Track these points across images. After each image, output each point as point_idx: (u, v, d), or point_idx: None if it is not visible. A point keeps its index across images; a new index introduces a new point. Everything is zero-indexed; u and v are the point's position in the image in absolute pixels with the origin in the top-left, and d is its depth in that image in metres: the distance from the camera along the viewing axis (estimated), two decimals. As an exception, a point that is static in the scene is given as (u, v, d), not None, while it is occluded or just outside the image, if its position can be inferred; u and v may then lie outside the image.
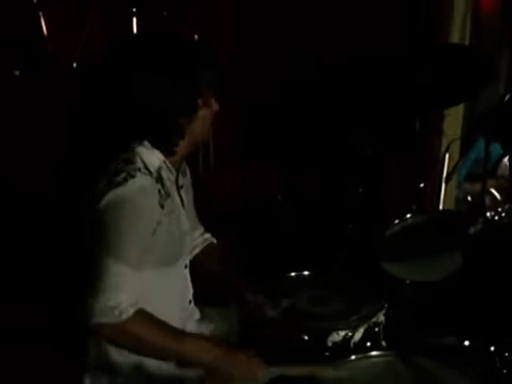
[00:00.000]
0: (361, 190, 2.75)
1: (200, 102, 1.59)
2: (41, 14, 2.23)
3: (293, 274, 2.10)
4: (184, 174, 1.81)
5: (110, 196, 1.48)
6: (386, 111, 2.41)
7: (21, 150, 2.38)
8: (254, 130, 2.73)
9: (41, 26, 2.25)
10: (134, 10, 2.19)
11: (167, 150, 1.62)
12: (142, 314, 1.48)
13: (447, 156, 2.40)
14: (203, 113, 1.61)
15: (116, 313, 1.42)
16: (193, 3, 2.51)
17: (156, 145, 1.60)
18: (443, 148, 2.90)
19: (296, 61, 2.85)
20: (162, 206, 1.55)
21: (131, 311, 1.45)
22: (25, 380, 2.11)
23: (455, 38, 2.85)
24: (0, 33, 2.30)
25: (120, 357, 1.59)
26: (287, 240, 2.71)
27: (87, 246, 1.56)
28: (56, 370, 1.99)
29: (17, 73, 2.29)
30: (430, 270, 1.95)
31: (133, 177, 1.50)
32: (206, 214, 1.73)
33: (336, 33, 2.80)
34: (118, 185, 1.49)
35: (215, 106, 1.65)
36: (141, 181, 1.52)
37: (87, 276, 1.50)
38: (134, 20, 2.20)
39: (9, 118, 2.34)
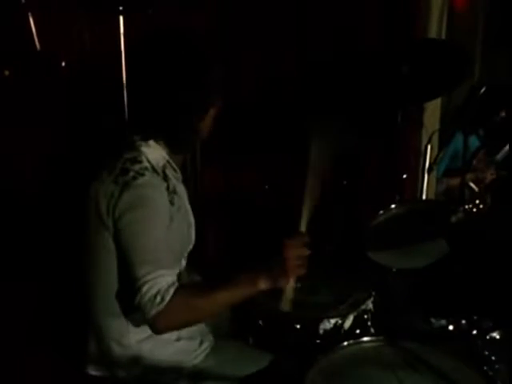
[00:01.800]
0: (345, 182, 2.81)
1: (211, 101, 1.63)
2: (29, 14, 2.23)
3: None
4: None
5: (127, 197, 1.50)
6: (368, 105, 2.46)
7: (11, 150, 2.38)
8: (237, 129, 2.76)
9: (30, 26, 2.25)
10: (121, 8, 2.21)
11: (179, 148, 1.65)
12: (180, 291, 1.48)
13: (429, 147, 2.47)
14: (212, 112, 1.65)
15: (158, 300, 1.44)
16: (175, 1, 2.54)
17: (168, 143, 1.63)
18: (423, 140, 2.98)
19: (277, 59, 2.88)
20: (171, 203, 1.59)
21: (171, 291, 1.46)
22: (24, 378, 2.12)
23: (432, 32, 2.92)
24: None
25: (121, 350, 1.63)
26: (273, 232, 2.76)
27: (90, 240, 1.60)
28: (55, 366, 2.01)
29: (6, 73, 2.29)
30: (415, 258, 2.02)
31: (142, 175, 1.53)
32: (194, 211, 1.76)
33: (316, 30, 2.85)
34: (128, 184, 1.51)
35: (219, 103, 1.68)
36: (151, 179, 1.55)
37: (123, 281, 1.55)
38: (121, 18, 2.22)
39: (-1, 117, 2.33)
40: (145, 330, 1.61)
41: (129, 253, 1.49)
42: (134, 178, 1.52)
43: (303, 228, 1.65)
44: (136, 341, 1.63)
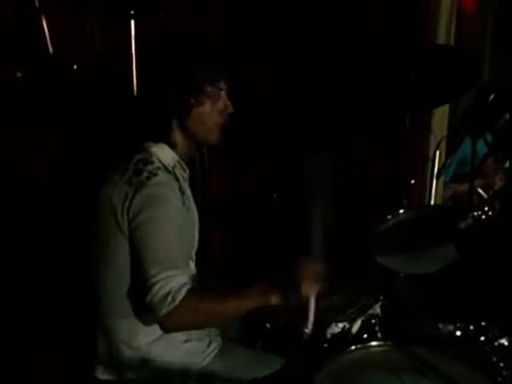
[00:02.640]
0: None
1: (193, 101, 1.62)
2: (43, 16, 2.25)
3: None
4: None
5: (141, 197, 1.52)
6: (376, 109, 2.46)
7: (22, 151, 2.40)
8: (246, 130, 2.76)
9: (43, 29, 2.27)
10: (132, 12, 2.23)
11: (175, 146, 1.66)
12: (192, 293, 1.50)
13: (438, 153, 2.47)
14: (198, 111, 1.64)
15: (169, 299, 1.45)
16: (187, 4, 2.55)
17: (163, 141, 1.65)
18: (431, 146, 2.98)
19: (286, 61, 2.88)
20: (183, 203, 1.61)
21: (184, 291, 1.47)
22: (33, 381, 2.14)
23: (441, 36, 2.92)
24: (2, 35, 2.33)
25: (130, 353, 1.64)
26: (280, 237, 2.76)
27: (102, 242, 1.62)
28: (64, 370, 2.02)
29: (18, 75, 2.31)
30: (423, 263, 2.02)
31: (156, 175, 1.55)
32: (200, 212, 1.77)
33: (324, 33, 2.85)
34: (143, 184, 1.53)
35: (227, 108, 1.69)
36: (164, 179, 1.57)
37: (135, 281, 1.56)
38: (132, 22, 2.24)
39: (11, 119, 2.35)
40: (154, 332, 1.63)
41: (142, 252, 1.51)
42: (148, 177, 1.54)
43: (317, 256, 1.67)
44: (145, 343, 1.64)
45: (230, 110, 1.70)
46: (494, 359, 1.86)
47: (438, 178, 2.50)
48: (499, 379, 1.77)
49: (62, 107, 2.39)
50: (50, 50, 2.30)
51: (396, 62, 2.20)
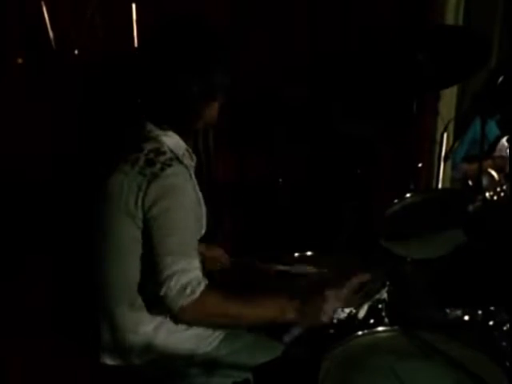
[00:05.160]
0: (359, 171, 2.78)
1: (217, 91, 1.62)
2: (43, 2, 2.22)
3: (296, 254, 2.15)
4: None
5: (156, 188, 1.50)
6: (383, 93, 2.43)
7: (25, 136, 2.39)
8: (251, 117, 2.74)
9: (43, 14, 2.24)
10: (134, -4, 2.20)
11: (183, 133, 1.65)
12: (212, 289, 1.51)
13: (445, 135, 2.43)
14: (219, 99, 1.65)
15: (188, 291, 1.45)
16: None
17: (173, 127, 1.63)
18: (439, 128, 2.94)
19: (290, 46, 2.85)
20: (196, 192, 1.61)
21: (203, 285, 1.48)
22: (32, 365, 2.14)
23: (450, 18, 2.87)
24: (3, 21, 2.30)
25: (136, 338, 1.63)
26: (287, 220, 2.75)
27: (111, 231, 1.61)
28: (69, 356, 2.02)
29: (20, 61, 2.29)
30: (430, 248, 1.99)
31: (170, 166, 1.53)
32: (206, 199, 1.75)
33: (329, 14, 2.81)
34: (157, 175, 1.51)
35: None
36: (178, 169, 1.55)
37: (143, 268, 1.56)
38: (134, 6, 2.20)
39: (13, 105, 2.34)
40: (159, 317, 1.63)
41: (157, 242, 1.50)
42: (162, 168, 1.52)
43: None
44: (150, 329, 1.64)
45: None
46: (503, 344, 1.84)
47: (445, 161, 2.46)
48: (508, 364, 1.75)
49: (64, 92, 2.37)
50: (51, 35, 2.27)
51: (403, 43, 2.16)
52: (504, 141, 3.12)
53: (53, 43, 2.28)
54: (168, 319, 1.64)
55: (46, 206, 2.43)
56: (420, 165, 2.72)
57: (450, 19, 2.87)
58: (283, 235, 2.67)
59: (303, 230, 2.62)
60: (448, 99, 3.10)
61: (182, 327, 1.66)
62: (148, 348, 1.64)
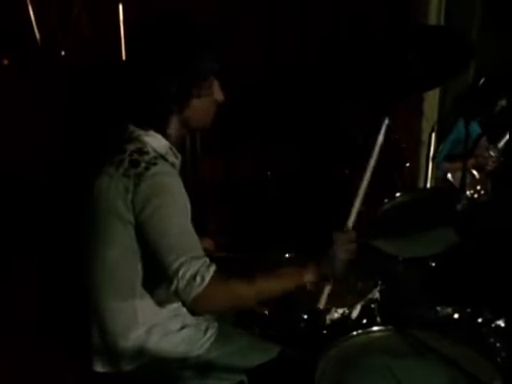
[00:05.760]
0: (347, 171, 2.79)
1: (195, 91, 1.58)
2: (29, 2, 2.18)
3: (286, 255, 2.15)
4: None
5: (145, 188, 1.47)
6: (370, 93, 2.43)
7: (10, 138, 2.34)
8: (237, 116, 2.73)
9: (29, 15, 2.20)
10: (120, -4, 2.18)
11: (166, 133, 1.61)
12: (222, 274, 1.47)
13: (433, 136, 2.46)
14: (198, 102, 1.60)
15: (198, 280, 1.41)
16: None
17: (154, 127, 1.60)
18: (423, 129, 2.98)
19: (279, 45, 2.84)
20: (182, 189, 1.57)
21: (212, 270, 1.45)
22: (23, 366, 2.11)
23: (432, 19, 2.90)
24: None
25: (127, 343, 1.60)
26: (275, 220, 2.75)
27: (100, 234, 1.58)
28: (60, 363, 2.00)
29: (5, 62, 2.24)
30: (421, 247, 2.01)
31: (154, 164, 1.50)
32: (195, 196, 1.73)
33: (316, 14, 2.81)
34: (142, 175, 1.48)
35: (219, 96, 1.65)
36: (163, 167, 1.53)
37: (152, 273, 1.54)
38: (120, 6, 2.18)
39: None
40: (150, 322, 1.61)
41: (156, 242, 1.47)
42: (147, 168, 1.49)
43: (350, 225, 1.73)
44: (142, 333, 1.61)
45: (222, 98, 1.66)
46: (491, 340, 1.87)
47: (433, 161, 2.49)
48: (498, 359, 1.78)
49: (50, 94, 2.34)
50: (37, 36, 2.23)
51: (392, 42, 2.16)
52: (484, 140, 3.19)
53: (39, 44, 2.24)
54: (158, 322, 1.62)
55: (34, 208, 2.39)
56: (408, 164, 2.74)
57: (432, 19, 2.91)
58: (270, 234, 2.66)
59: (291, 230, 2.61)
60: (431, 100, 3.15)
61: (174, 329, 1.64)
62: (140, 352, 1.61)
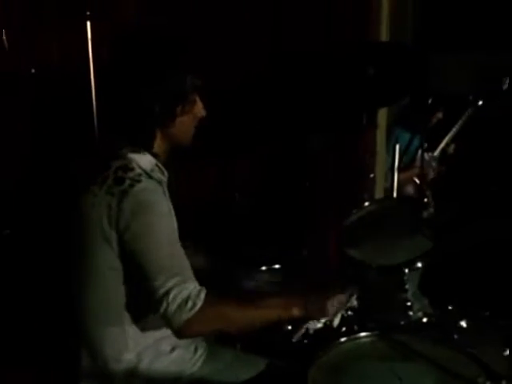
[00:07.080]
0: (307, 184, 2.85)
1: (179, 109, 1.59)
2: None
3: (263, 268, 2.17)
4: None
5: (128, 206, 1.45)
6: (336, 107, 2.52)
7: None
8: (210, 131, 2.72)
9: (1, 36, 2.13)
10: (88, 13, 2.14)
11: (151, 150, 1.61)
12: (211, 299, 1.47)
13: (397, 146, 2.57)
14: (183, 119, 1.61)
15: (189, 305, 1.41)
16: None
17: (138, 144, 1.59)
18: (378, 140, 3.10)
19: (250, 56, 2.83)
20: (169, 208, 1.56)
21: (203, 295, 1.44)
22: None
23: (383, 36, 3.02)
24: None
25: (118, 365, 1.58)
26: (244, 236, 2.75)
27: (85, 255, 1.54)
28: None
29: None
30: (393, 254, 2.07)
31: (139, 181, 1.49)
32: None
33: (284, 27, 2.84)
34: (127, 193, 1.47)
35: (200, 112, 1.66)
36: (148, 184, 1.51)
37: (123, 292, 1.53)
38: (88, 24, 2.15)
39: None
40: (141, 344, 1.59)
41: (144, 262, 1.45)
42: (131, 185, 1.48)
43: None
44: (132, 355, 1.58)
45: (204, 113, 1.67)
46: (456, 337, 1.96)
47: (398, 172, 2.60)
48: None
49: (18, 111, 2.26)
50: (8, 55, 2.16)
51: (354, 58, 2.26)
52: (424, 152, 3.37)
53: (9, 63, 2.16)
54: (149, 345, 1.60)
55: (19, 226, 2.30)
56: (372, 175, 2.84)
57: (383, 37, 3.03)
58: (239, 249, 2.67)
59: (259, 243, 2.63)
60: (382, 113, 3.27)
61: (165, 351, 1.63)
62: (132, 375, 1.59)
